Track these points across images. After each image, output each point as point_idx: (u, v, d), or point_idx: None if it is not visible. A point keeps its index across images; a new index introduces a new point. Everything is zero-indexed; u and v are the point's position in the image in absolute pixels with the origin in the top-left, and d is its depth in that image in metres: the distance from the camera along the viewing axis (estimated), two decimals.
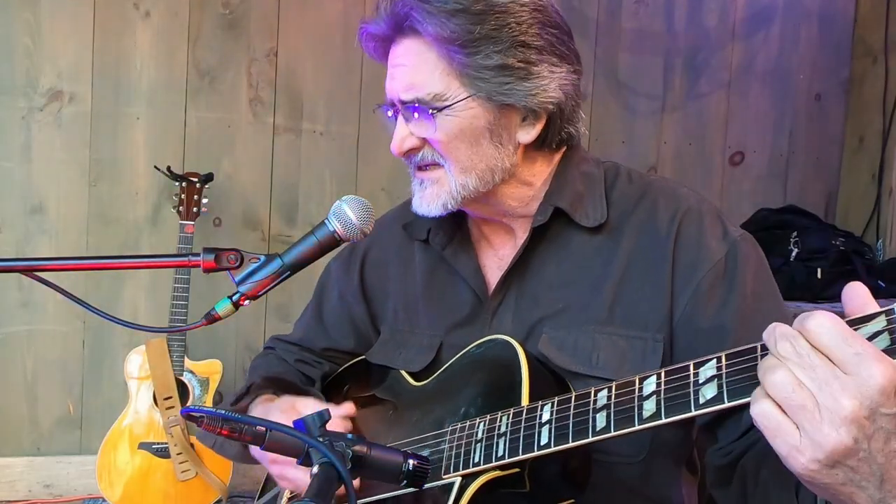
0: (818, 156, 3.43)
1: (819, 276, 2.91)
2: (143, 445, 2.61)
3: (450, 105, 1.07)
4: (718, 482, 1.04)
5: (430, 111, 1.07)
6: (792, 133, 3.40)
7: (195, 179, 2.68)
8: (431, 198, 1.12)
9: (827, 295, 2.87)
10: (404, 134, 1.11)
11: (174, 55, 2.89)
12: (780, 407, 0.67)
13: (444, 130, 1.08)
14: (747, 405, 0.72)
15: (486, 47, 1.04)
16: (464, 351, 1.13)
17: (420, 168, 1.14)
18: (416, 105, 1.08)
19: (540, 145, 1.14)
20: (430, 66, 1.07)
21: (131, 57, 2.85)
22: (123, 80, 2.85)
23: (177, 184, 2.67)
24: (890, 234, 3.17)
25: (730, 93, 3.34)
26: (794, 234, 3.02)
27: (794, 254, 2.98)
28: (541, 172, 1.16)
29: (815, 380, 0.66)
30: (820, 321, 0.66)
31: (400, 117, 1.11)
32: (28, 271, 0.99)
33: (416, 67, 1.08)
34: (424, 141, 1.10)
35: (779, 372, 0.67)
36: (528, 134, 1.11)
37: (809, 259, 2.96)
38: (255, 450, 1.21)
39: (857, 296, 0.70)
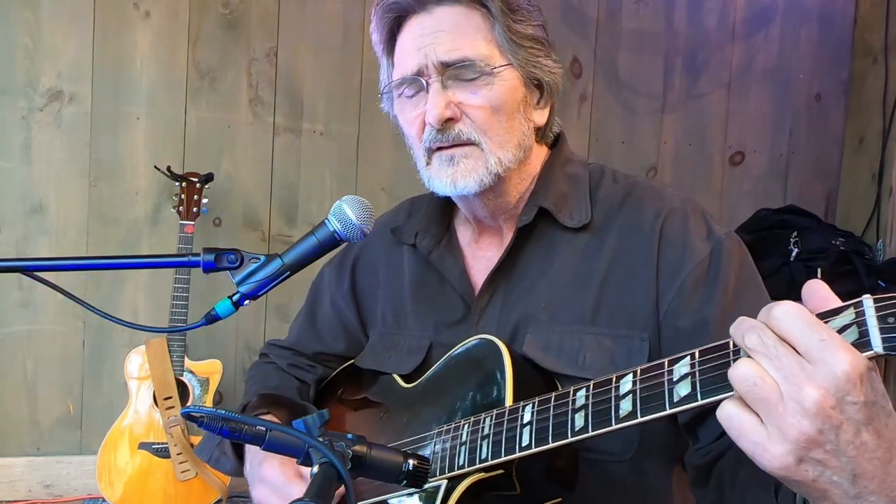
0: (818, 156, 3.43)
1: (819, 276, 2.91)
2: (143, 445, 2.61)
3: (496, 69, 1.08)
4: (696, 482, 1.04)
5: (481, 74, 1.07)
6: (792, 133, 3.40)
7: (195, 179, 2.68)
8: (467, 172, 1.08)
9: None
10: (445, 100, 1.07)
11: (174, 55, 2.89)
12: (742, 402, 0.67)
13: (490, 98, 1.08)
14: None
15: (527, 18, 1.10)
16: (450, 352, 1.13)
17: (448, 146, 1.10)
18: (465, 65, 1.06)
19: (542, 134, 1.18)
20: (473, 30, 1.08)
21: (131, 57, 2.85)
22: (123, 80, 2.85)
23: (177, 184, 2.67)
24: (890, 234, 3.17)
25: (730, 93, 3.34)
26: (794, 234, 3.02)
27: (794, 254, 2.98)
28: (532, 169, 1.18)
29: (780, 370, 0.65)
30: (784, 308, 0.66)
31: (435, 85, 1.08)
32: (28, 271, 0.99)
33: (460, 30, 1.08)
34: (462, 113, 1.08)
35: (742, 365, 0.66)
36: (541, 116, 1.15)
37: (809, 259, 2.96)
38: (248, 474, 1.21)
39: (816, 291, 0.69)
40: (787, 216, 3.16)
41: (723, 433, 0.98)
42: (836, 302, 0.68)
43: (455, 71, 1.07)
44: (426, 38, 1.08)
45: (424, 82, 1.09)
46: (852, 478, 0.65)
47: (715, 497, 0.99)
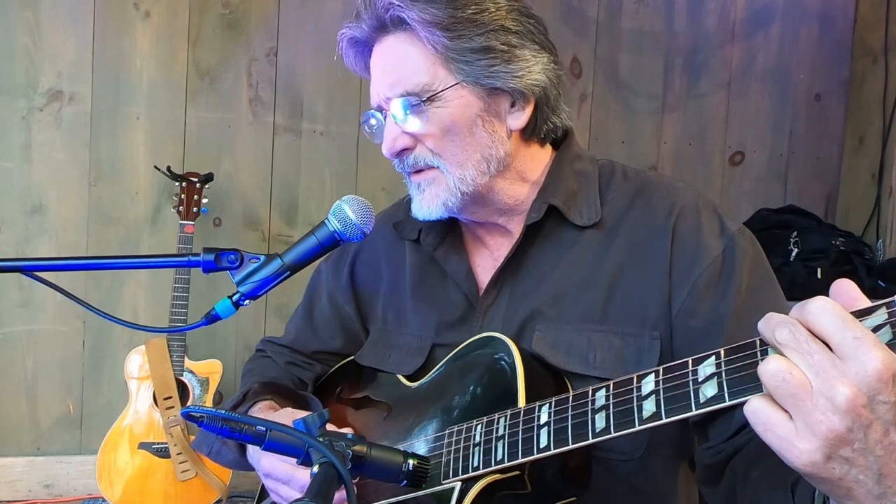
0: (818, 156, 3.43)
1: (819, 276, 2.91)
2: (143, 445, 2.61)
3: (439, 93, 1.07)
4: (706, 480, 1.04)
5: (421, 103, 1.07)
6: (792, 133, 3.40)
7: (195, 179, 2.68)
8: (431, 199, 1.11)
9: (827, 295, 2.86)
10: (395, 133, 1.10)
11: (174, 55, 2.89)
12: (770, 398, 0.66)
13: (437, 123, 1.07)
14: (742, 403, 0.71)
15: (468, 30, 1.06)
16: (457, 349, 1.12)
17: (414, 172, 1.13)
18: (405, 98, 1.07)
19: (530, 134, 1.15)
20: (414, 58, 1.07)
21: (131, 57, 2.85)
22: (123, 80, 2.85)
23: (177, 184, 2.67)
24: (890, 234, 3.16)
25: (730, 93, 3.34)
26: (794, 234, 3.01)
27: (794, 254, 2.98)
28: (535, 168, 1.16)
29: (812, 366, 0.64)
30: (820, 304, 0.65)
31: (388, 119, 1.10)
32: (28, 271, 0.99)
33: (401, 61, 1.09)
34: (416, 140, 1.10)
35: (773, 360, 0.66)
36: (518, 120, 1.12)
37: (809, 259, 2.96)
38: (251, 456, 1.20)
39: (845, 291, 0.68)
40: (787, 216, 3.16)
41: (735, 433, 0.98)
42: (866, 301, 0.67)
43: (400, 100, 1.08)
44: (376, 74, 1.12)
45: (382, 116, 1.12)
46: (878, 477, 0.65)
47: (726, 495, 0.99)
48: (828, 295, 0.68)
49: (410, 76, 1.07)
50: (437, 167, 1.10)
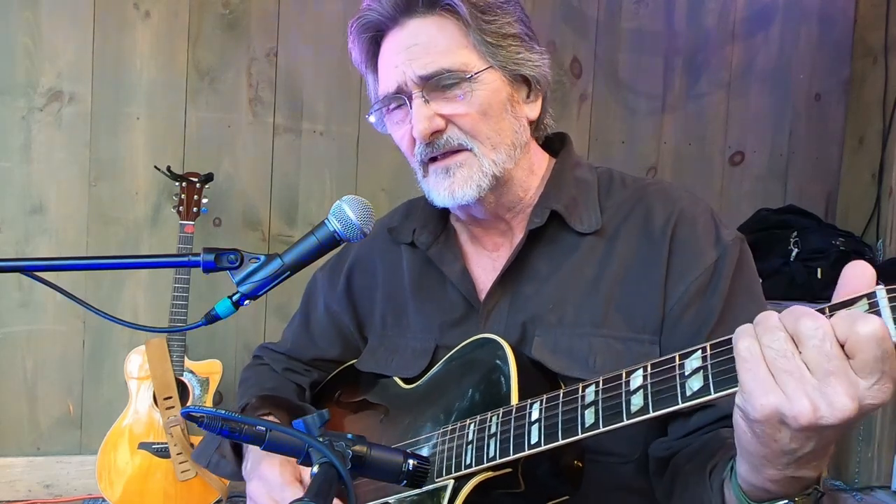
0: (818, 156, 3.43)
1: (819, 276, 2.91)
2: (143, 445, 2.61)
3: (476, 74, 1.07)
4: (655, 472, 1.06)
5: (463, 81, 1.06)
6: (792, 133, 3.40)
7: (195, 179, 2.68)
8: (464, 181, 1.09)
9: (827, 295, 2.85)
10: (429, 114, 1.07)
11: (174, 55, 2.89)
12: (763, 357, 0.68)
13: (475, 103, 1.07)
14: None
15: (501, 16, 1.09)
16: (452, 351, 1.12)
17: (441, 157, 1.10)
18: (443, 76, 1.06)
19: (535, 128, 1.18)
20: (447, 39, 1.08)
21: (131, 57, 2.85)
22: (123, 80, 2.85)
23: (177, 184, 2.67)
24: (890, 234, 3.17)
25: (730, 93, 3.34)
26: (794, 234, 3.02)
27: (794, 254, 2.98)
28: (538, 164, 1.18)
29: (830, 370, 0.65)
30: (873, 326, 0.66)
31: (417, 101, 1.08)
32: (28, 271, 0.99)
33: (434, 42, 1.08)
34: (447, 121, 1.08)
35: (780, 334, 0.67)
36: (533, 110, 1.15)
37: (809, 259, 2.96)
38: (245, 472, 1.20)
39: (855, 277, 0.70)
40: (787, 216, 3.16)
41: (688, 433, 1.01)
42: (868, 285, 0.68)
43: (434, 83, 1.07)
44: (401, 55, 1.09)
45: (406, 99, 1.09)
46: (812, 448, 0.70)
47: (668, 487, 1.02)
48: (834, 290, 0.71)
49: (446, 54, 1.07)
50: (471, 149, 1.09)
